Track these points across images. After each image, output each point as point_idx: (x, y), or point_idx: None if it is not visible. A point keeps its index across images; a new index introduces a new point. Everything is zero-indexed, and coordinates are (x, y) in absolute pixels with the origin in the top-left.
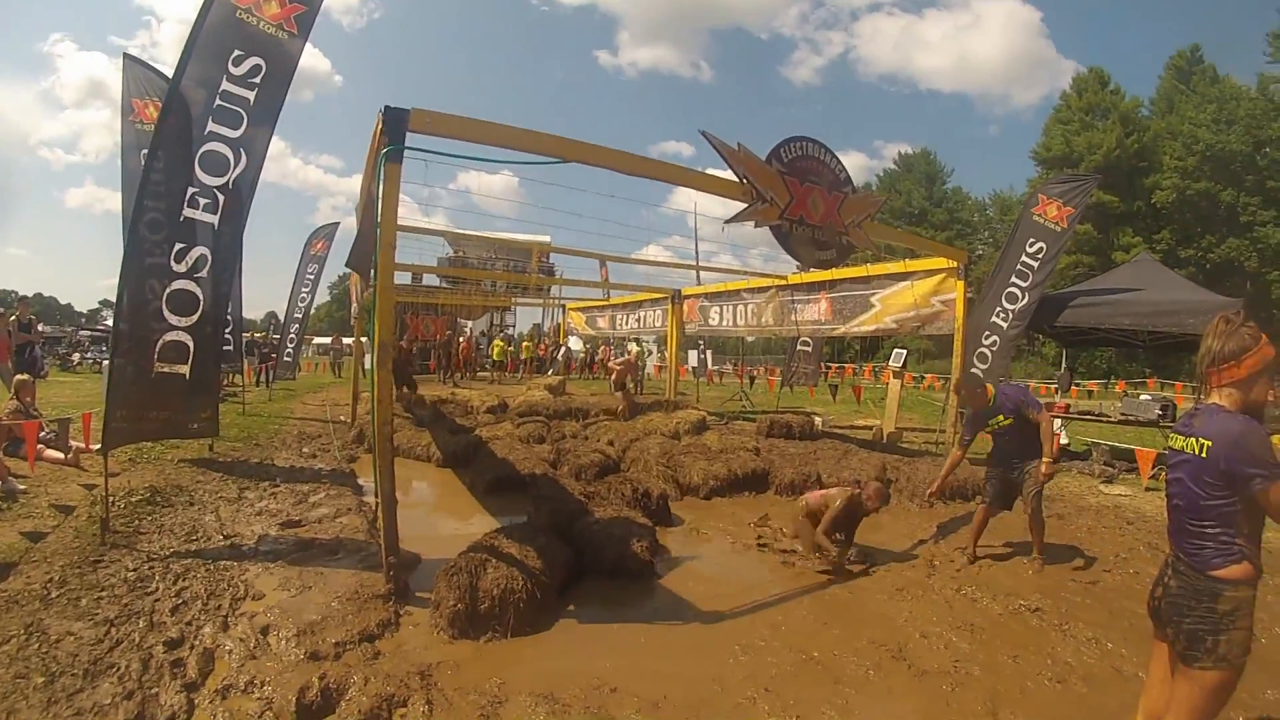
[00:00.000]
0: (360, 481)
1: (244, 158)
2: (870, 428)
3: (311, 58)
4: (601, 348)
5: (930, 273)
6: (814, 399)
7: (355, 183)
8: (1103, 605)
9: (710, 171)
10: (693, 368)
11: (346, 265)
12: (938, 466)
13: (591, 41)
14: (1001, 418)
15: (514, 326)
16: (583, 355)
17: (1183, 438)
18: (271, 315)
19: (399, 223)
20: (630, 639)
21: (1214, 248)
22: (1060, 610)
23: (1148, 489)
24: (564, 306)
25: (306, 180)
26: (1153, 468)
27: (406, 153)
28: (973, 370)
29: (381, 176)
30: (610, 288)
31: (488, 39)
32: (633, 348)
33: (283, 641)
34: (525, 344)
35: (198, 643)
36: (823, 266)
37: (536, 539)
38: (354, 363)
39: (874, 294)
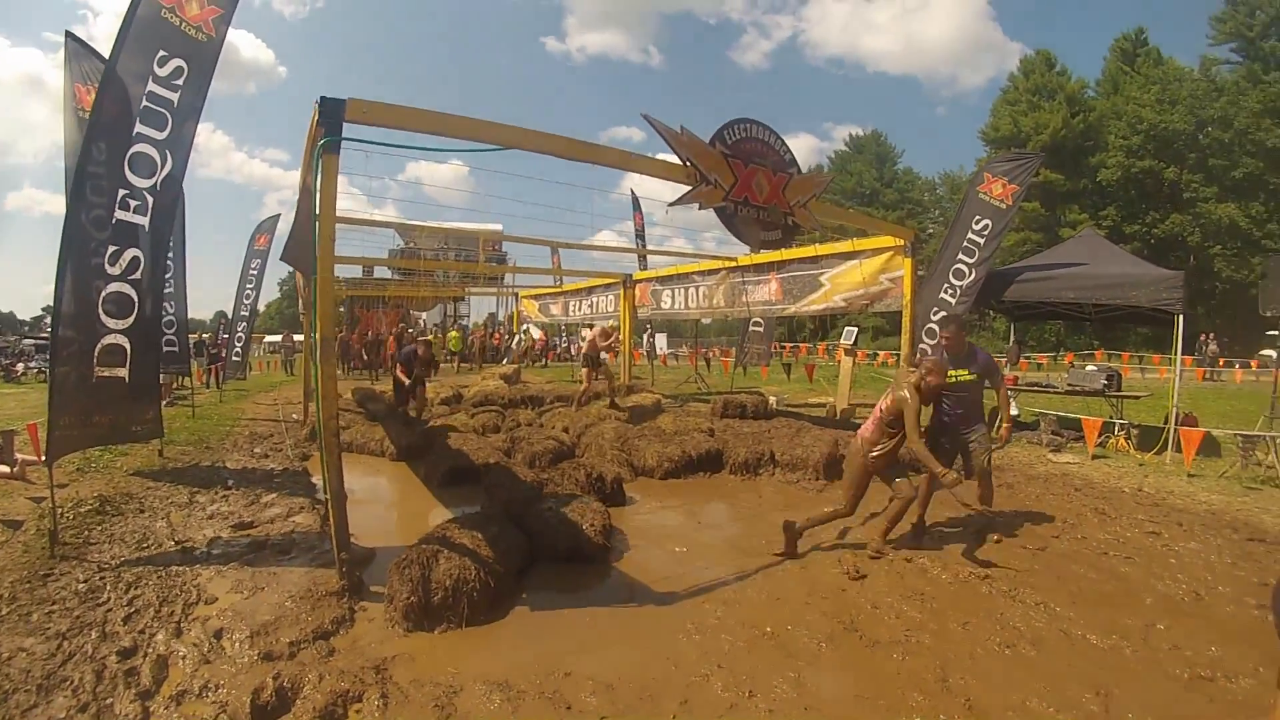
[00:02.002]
0: (313, 479)
1: (170, 159)
2: (824, 405)
3: (254, 49)
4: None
5: (878, 251)
6: (767, 379)
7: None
8: (1050, 570)
9: (655, 156)
10: (645, 351)
11: (281, 259)
12: None
13: (539, 27)
14: (966, 372)
15: (468, 317)
16: (525, 343)
17: None
18: (221, 315)
19: (348, 215)
20: (585, 623)
21: (1158, 223)
22: (1009, 577)
23: (1094, 457)
24: (517, 295)
25: (252, 175)
26: (1099, 435)
27: (349, 144)
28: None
29: (319, 168)
30: (562, 274)
31: (433, 27)
32: (585, 332)
33: (236, 644)
34: (453, 334)
35: (151, 650)
36: (769, 247)
37: (489, 528)
38: (304, 360)
39: (823, 273)
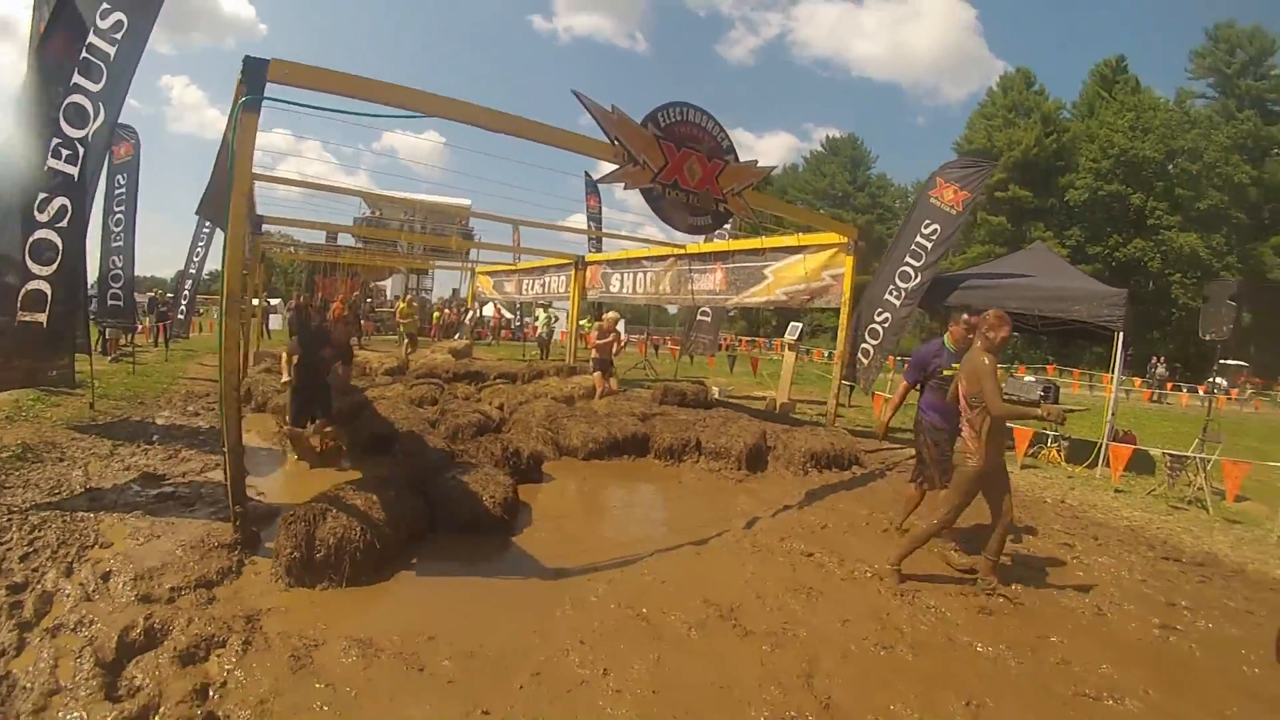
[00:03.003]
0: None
1: (103, 111)
2: (765, 398)
3: (235, 4)
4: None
5: (823, 247)
6: (714, 369)
7: (277, 135)
8: (950, 576)
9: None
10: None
11: (196, 212)
12: (816, 436)
13: (525, 4)
14: (958, 367)
15: (431, 290)
16: (476, 318)
17: None
18: (181, 274)
19: (320, 181)
20: (466, 592)
21: (1120, 247)
22: (906, 578)
23: (1024, 466)
24: (473, 270)
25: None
26: (1030, 446)
27: (317, 113)
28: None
29: (237, 125)
30: (521, 252)
31: None
32: (540, 313)
33: (120, 586)
34: (401, 305)
35: (39, 587)
36: (696, 232)
37: (385, 491)
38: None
39: (767, 266)
